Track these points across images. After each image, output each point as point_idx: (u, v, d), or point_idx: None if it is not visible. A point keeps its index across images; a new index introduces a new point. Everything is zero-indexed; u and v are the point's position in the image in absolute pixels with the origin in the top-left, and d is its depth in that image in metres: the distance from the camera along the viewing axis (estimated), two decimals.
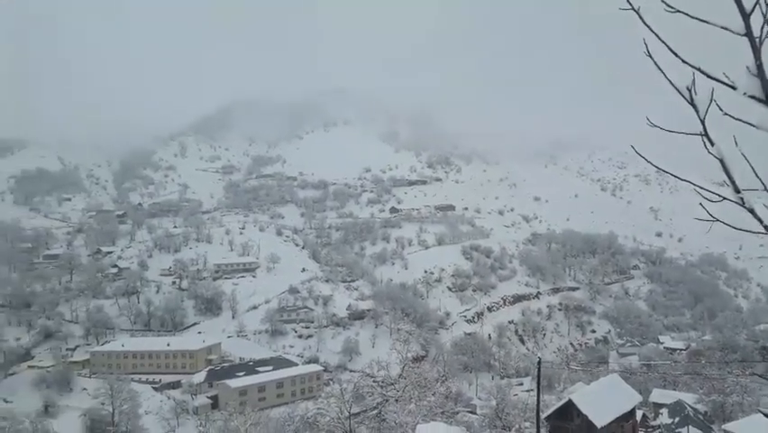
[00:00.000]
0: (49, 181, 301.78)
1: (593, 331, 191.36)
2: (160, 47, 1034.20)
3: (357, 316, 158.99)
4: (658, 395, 77.76)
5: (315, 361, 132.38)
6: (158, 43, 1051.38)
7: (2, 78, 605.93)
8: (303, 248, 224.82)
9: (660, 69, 4.20)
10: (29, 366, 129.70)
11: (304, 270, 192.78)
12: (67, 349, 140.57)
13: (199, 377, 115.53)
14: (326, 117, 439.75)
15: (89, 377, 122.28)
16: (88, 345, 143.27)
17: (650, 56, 4.26)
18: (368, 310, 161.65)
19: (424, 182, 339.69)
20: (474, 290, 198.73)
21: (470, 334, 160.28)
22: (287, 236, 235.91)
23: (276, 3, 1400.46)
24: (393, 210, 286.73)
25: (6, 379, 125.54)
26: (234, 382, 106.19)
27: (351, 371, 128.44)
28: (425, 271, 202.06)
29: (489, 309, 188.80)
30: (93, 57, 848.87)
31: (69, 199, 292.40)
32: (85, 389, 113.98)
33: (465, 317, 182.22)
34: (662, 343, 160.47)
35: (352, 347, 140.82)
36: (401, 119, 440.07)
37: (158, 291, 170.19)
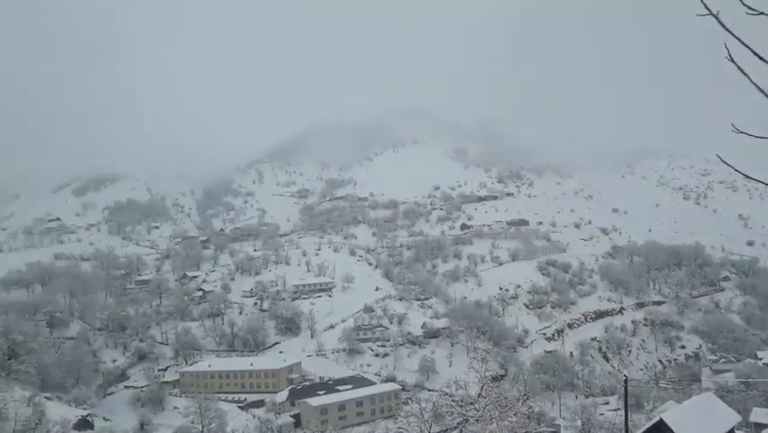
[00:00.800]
0: (139, 211, 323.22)
1: (683, 347, 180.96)
2: (236, 78, 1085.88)
3: (432, 334, 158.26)
4: (759, 414, 72.46)
5: (392, 379, 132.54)
6: (233, 74, 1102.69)
7: (95, 115, 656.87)
8: (376, 267, 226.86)
9: (744, 74, 4.17)
10: (125, 386, 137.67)
11: (378, 289, 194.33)
12: (159, 370, 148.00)
13: (282, 396, 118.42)
14: (395, 138, 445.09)
15: (180, 396, 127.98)
16: (178, 365, 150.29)
17: (732, 60, 4.19)
18: (443, 329, 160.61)
19: (494, 197, 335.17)
20: (553, 307, 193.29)
21: (550, 352, 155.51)
22: (360, 256, 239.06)
23: (339, 28, 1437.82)
24: (464, 227, 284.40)
25: (105, 398, 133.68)
26: (315, 401, 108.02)
27: (428, 390, 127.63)
28: (500, 288, 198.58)
29: (570, 326, 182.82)
30: (177, 92, 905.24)
31: (158, 227, 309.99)
32: (176, 408, 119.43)
33: (544, 334, 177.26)
34: (760, 358, 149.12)
35: (429, 366, 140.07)
36: (469, 135, 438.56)
37: (240, 313, 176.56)
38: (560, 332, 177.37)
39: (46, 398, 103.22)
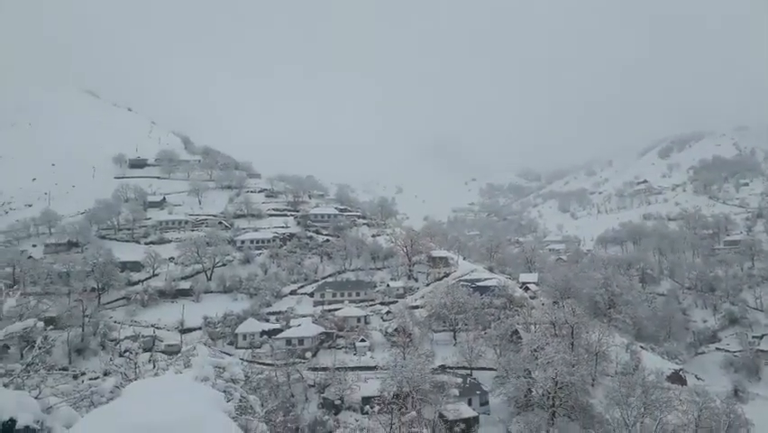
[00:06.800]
0: (725, 168, 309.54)
1: None
2: None
3: None
4: None
5: None
6: None
7: (680, 76, 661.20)
8: None
9: None
10: (716, 348, 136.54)
11: None
12: (753, 336, 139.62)
13: None
14: None
15: None
16: None
17: None
18: None
19: None
20: None
21: None
22: None
23: None
24: None
25: (696, 357, 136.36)
26: None
27: None
28: None
29: None
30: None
31: (747, 184, 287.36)
32: None
33: None
34: None
35: None
36: None
37: None
38: None
39: (641, 347, 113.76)
